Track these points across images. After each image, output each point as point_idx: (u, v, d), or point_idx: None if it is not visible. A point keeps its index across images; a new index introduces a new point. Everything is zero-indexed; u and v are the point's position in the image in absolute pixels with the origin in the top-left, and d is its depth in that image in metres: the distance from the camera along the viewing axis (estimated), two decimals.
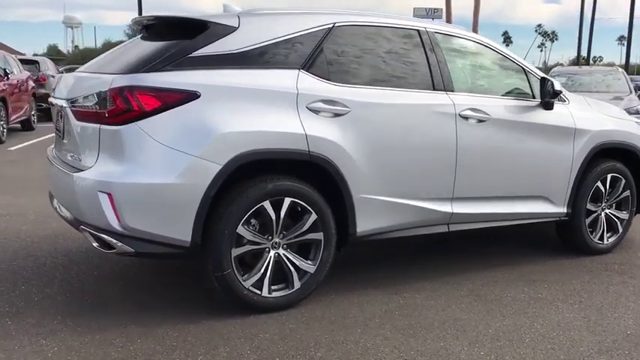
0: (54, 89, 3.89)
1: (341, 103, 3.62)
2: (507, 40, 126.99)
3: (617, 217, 5.01)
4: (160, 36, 3.69)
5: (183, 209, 3.24)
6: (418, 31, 4.11)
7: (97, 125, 3.25)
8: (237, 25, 3.54)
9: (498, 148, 4.26)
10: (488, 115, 4.16)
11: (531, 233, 5.39)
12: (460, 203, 4.15)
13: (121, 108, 3.16)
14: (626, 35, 29.39)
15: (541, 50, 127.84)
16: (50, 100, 4.01)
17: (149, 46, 3.59)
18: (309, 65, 3.63)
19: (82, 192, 3.26)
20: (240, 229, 3.40)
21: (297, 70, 3.58)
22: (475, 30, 27.28)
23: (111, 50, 4.15)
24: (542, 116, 4.45)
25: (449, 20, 27.71)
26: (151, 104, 3.19)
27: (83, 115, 3.37)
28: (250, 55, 3.49)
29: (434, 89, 4.04)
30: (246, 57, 3.48)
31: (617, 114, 5.18)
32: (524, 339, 3.33)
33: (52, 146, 4.14)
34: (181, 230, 3.25)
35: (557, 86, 4.39)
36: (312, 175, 3.60)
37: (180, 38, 3.48)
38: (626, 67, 28.68)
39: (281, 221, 3.51)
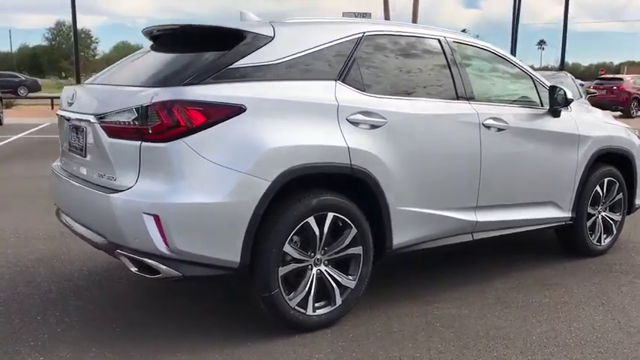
0: (70, 102, 3.63)
1: (377, 114, 3.58)
2: None
3: (612, 219, 5.21)
4: (189, 46, 3.52)
5: (232, 229, 3.10)
6: (439, 40, 4.13)
7: (137, 142, 3.06)
8: (272, 35, 3.43)
9: (516, 156, 4.33)
10: (506, 123, 4.23)
11: (528, 240, 5.51)
12: (483, 211, 4.19)
13: (167, 124, 2.99)
14: (545, 40, 31.01)
15: None
16: (61, 113, 3.75)
17: (180, 57, 3.42)
18: (344, 76, 3.56)
19: (122, 214, 3.05)
20: (287, 247, 3.29)
21: (333, 82, 3.51)
22: None
23: (125, 60, 3.95)
24: (552, 124, 4.57)
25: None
26: (198, 119, 3.03)
27: (118, 132, 3.15)
28: (288, 67, 3.39)
29: (457, 98, 4.07)
30: (285, 68, 3.38)
31: (610, 119, 5.40)
32: (569, 343, 3.39)
33: (60, 161, 3.89)
34: (230, 251, 3.11)
35: (569, 95, 4.52)
36: (350, 188, 3.53)
37: (215, 48, 3.33)
38: (561, 70, 30.18)
39: (324, 237, 3.42)
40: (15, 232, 5.53)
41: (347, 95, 3.51)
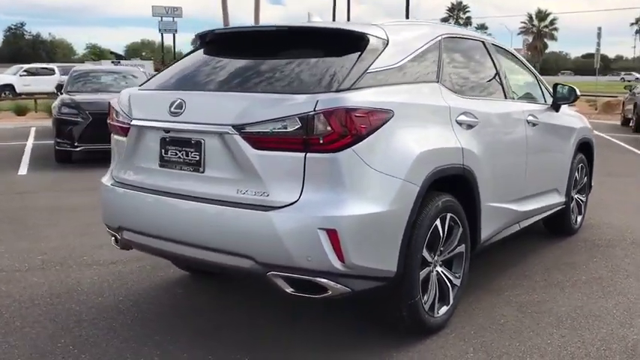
0: (174, 112, 3.15)
1: (472, 114, 3.69)
2: None
3: (582, 200, 5.87)
4: (305, 49, 3.30)
5: (393, 237, 3.02)
6: (483, 42, 4.34)
7: (300, 154, 2.82)
8: (387, 38, 3.36)
9: (543, 149, 4.72)
10: (537, 119, 4.58)
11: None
12: (524, 202, 4.50)
13: (339, 132, 2.80)
14: None
15: None
16: (143, 124, 3.29)
17: (306, 62, 3.18)
18: (440, 78, 3.61)
19: (290, 232, 2.80)
20: (424, 252, 3.27)
21: (437, 84, 3.55)
22: None
23: (193, 64, 3.57)
24: (557, 117, 5.04)
25: (226, 22, 27.60)
26: (363, 126, 2.89)
27: (270, 143, 2.87)
28: (404, 70, 3.36)
29: (505, 98, 4.32)
30: (403, 71, 3.34)
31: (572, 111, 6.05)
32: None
33: (129, 175, 3.41)
34: (390, 260, 3.02)
35: (578, 91, 5.00)
36: (452, 188, 3.60)
37: (342, 52, 3.18)
38: None
39: (443, 238, 3.45)
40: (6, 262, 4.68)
41: (450, 97, 3.58)
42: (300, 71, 3.13)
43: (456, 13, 76.55)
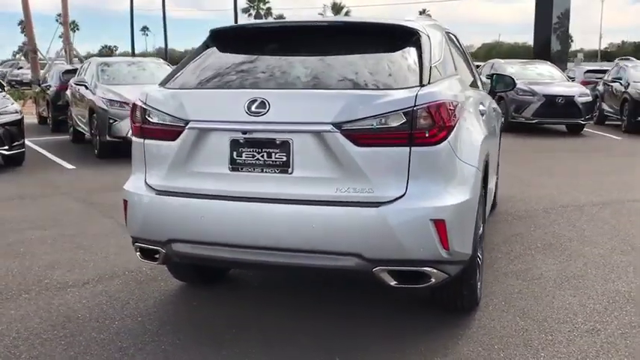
0: (255, 112, 2.96)
1: (482, 104, 4.02)
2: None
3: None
4: (360, 44, 3.31)
5: (472, 222, 3.21)
6: (455, 36, 4.67)
7: (405, 148, 2.87)
8: (427, 34, 3.49)
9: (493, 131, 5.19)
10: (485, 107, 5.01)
11: None
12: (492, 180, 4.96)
13: (439, 125, 2.91)
14: (148, 26, 33.43)
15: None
16: (220, 126, 3.07)
17: (371, 57, 3.21)
18: (457, 71, 3.89)
19: (403, 225, 2.84)
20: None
21: (458, 77, 3.81)
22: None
23: (277, 60, 3.39)
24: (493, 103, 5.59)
25: (27, 15, 24.67)
26: (454, 119, 3.03)
27: (375, 139, 2.87)
28: (445, 64, 3.54)
29: (481, 89, 4.72)
30: (444, 65, 3.51)
31: None
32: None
33: (190, 181, 3.15)
34: (469, 244, 3.20)
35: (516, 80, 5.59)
36: None
37: (402, 47, 3.27)
38: None
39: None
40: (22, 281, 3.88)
41: (467, 89, 3.85)
42: (374, 66, 3.16)
43: (257, 4, 77.78)
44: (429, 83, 3.04)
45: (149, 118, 3.25)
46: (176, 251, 3.20)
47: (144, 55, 66.49)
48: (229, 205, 3.04)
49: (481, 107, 3.91)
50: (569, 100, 13.02)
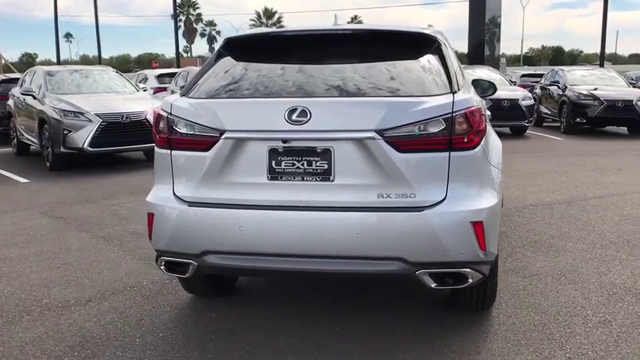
0: (296, 120, 2.96)
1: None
2: None
3: None
4: (384, 52, 3.38)
5: (499, 223, 3.33)
6: None
7: (444, 153, 2.95)
8: (443, 42, 3.61)
9: None
10: None
11: None
12: None
13: (475, 130, 3.01)
14: (72, 33, 33.06)
15: None
16: (259, 136, 3.05)
17: (398, 64, 3.27)
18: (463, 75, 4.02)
19: (446, 228, 2.92)
20: None
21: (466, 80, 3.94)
22: None
23: (306, 69, 3.37)
24: None
25: None
26: (484, 124, 3.14)
27: (416, 145, 2.93)
28: (458, 69, 3.65)
29: None
30: (459, 71, 3.63)
31: None
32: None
33: (225, 192, 3.11)
34: (496, 244, 3.32)
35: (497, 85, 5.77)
36: None
37: (425, 54, 3.36)
38: (178, 63, 32.10)
39: None
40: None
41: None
42: (404, 74, 3.22)
43: (187, 9, 76.60)
44: (458, 90, 3.14)
45: (177, 129, 3.19)
46: (209, 263, 3.15)
47: (67, 62, 64.24)
48: (270, 214, 3.02)
49: (487, 112, 4.05)
50: (513, 103, 13.58)
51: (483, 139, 3.11)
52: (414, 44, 3.45)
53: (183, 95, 3.35)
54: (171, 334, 3.57)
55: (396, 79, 3.19)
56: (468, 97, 3.08)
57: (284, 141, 3.00)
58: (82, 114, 9.49)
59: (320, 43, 3.50)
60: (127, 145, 9.82)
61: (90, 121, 9.43)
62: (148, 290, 4.27)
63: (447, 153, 2.97)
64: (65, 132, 9.41)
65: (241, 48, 3.60)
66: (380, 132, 2.92)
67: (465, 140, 2.98)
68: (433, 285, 3.05)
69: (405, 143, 2.94)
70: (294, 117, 2.96)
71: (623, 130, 14.84)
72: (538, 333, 3.49)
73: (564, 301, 3.95)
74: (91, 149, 9.42)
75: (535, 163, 10.38)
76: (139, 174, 9.30)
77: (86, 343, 3.47)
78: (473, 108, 3.02)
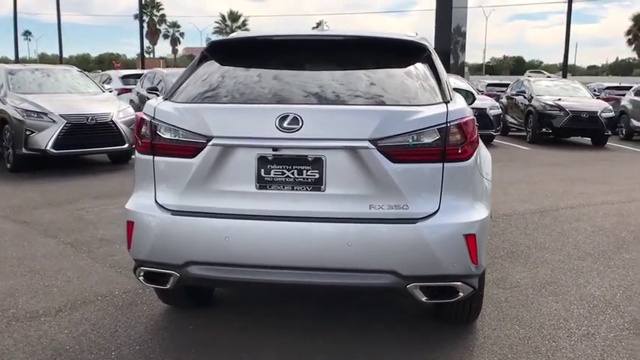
0: (287, 128, 2.85)
1: None
2: None
3: None
4: (376, 59, 3.31)
5: (487, 235, 3.28)
6: None
7: (438, 164, 2.89)
8: (432, 50, 3.56)
9: None
10: None
11: None
12: None
13: (469, 141, 2.96)
14: (31, 31, 32.81)
15: None
16: (248, 143, 2.93)
17: (390, 72, 3.21)
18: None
19: (438, 241, 2.85)
20: None
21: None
22: None
23: (295, 75, 3.30)
24: None
25: None
26: (476, 135, 3.09)
27: (410, 155, 2.86)
28: (448, 81, 3.61)
29: None
30: (449, 82, 3.58)
31: None
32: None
33: (211, 200, 2.98)
34: (484, 257, 3.28)
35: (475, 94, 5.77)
36: None
37: (415, 62, 3.30)
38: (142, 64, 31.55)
39: None
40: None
41: None
42: (397, 82, 3.16)
43: (150, 10, 75.45)
44: (450, 99, 3.09)
45: (160, 134, 3.05)
46: (192, 274, 3.02)
47: (25, 60, 62.61)
48: (257, 224, 2.91)
49: None
50: (481, 112, 13.67)
51: (476, 150, 3.07)
52: (405, 52, 3.39)
53: (167, 99, 3.21)
54: (149, 346, 3.42)
55: (389, 87, 3.12)
56: (462, 108, 3.03)
57: (274, 149, 2.89)
58: (46, 114, 9.18)
59: (308, 49, 3.41)
60: (91, 147, 9.55)
61: (54, 122, 9.12)
62: (121, 300, 4.10)
63: (441, 164, 2.91)
64: (28, 133, 9.07)
65: (227, 52, 3.48)
66: (374, 141, 2.84)
67: (459, 151, 2.93)
68: (424, 299, 2.99)
69: (398, 153, 2.87)
70: (285, 124, 2.86)
71: (587, 140, 15.15)
72: (524, 346, 3.46)
73: (547, 314, 3.94)
74: (54, 151, 9.11)
75: (505, 172, 10.45)
76: (104, 177, 9.05)
77: (59, 356, 3.30)
78: (467, 118, 2.97)
